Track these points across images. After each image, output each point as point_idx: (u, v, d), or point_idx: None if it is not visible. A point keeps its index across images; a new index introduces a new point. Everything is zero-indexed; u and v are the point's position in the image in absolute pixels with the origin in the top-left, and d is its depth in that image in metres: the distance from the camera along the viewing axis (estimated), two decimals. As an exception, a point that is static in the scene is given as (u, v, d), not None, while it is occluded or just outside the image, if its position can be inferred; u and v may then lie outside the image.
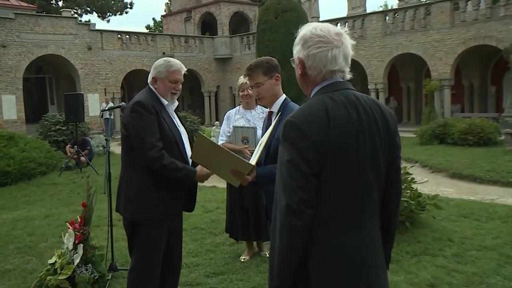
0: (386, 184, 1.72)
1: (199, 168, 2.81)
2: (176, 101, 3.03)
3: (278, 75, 2.80)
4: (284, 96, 2.82)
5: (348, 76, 1.74)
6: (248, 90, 4.12)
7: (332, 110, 1.59)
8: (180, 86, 2.99)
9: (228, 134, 4.31)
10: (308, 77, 1.73)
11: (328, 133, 1.56)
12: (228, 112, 4.51)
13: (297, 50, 1.74)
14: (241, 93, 4.29)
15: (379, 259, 1.70)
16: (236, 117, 4.35)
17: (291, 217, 1.55)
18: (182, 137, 2.93)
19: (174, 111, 3.08)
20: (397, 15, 20.79)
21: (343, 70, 1.71)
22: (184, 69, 2.99)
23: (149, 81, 2.96)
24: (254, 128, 4.14)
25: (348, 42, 1.72)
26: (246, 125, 4.23)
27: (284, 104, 2.78)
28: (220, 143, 4.11)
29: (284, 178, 1.59)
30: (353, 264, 1.60)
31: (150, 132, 2.74)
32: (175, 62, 2.95)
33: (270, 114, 2.81)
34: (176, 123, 2.96)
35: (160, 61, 2.96)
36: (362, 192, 1.63)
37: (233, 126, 4.24)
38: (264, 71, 2.77)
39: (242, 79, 4.08)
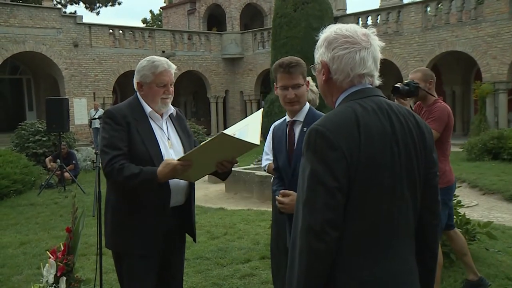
0: (422, 206, 1.77)
1: (161, 165, 2.68)
2: (171, 106, 3.00)
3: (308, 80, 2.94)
4: (308, 104, 2.92)
5: (378, 82, 1.81)
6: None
7: (363, 118, 1.65)
8: (171, 88, 2.95)
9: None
10: (334, 82, 1.79)
11: (358, 144, 1.61)
12: (275, 124, 4.20)
13: (320, 53, 1.81)
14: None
15: None
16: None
17: (312, 239, 1.60)
18: (165, 151, 2.87)
19: (178, 117, 3.07)
20: (441, 6, 20.75)
21: (372, 74, 1.78)
22: (173, 68, 2.97)
23: (135, 86, 2.97)
24: None
25: (377, 44, 1.80)
26: None
27: (310, 113, 2.86)
28: (265, 163, 3.93)
29: (306, 194, 1.63)
30: None
31: (113, 145, 2.74)
32: (161, 61, 2.92)
33: (293, 124, 2.86)
34: (161, 134, 2.92)
35: (143, 62, 2.95)
36: (396, 212, 1.68)
37: None
38: (302, 72, 2.86)
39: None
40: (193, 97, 29.82)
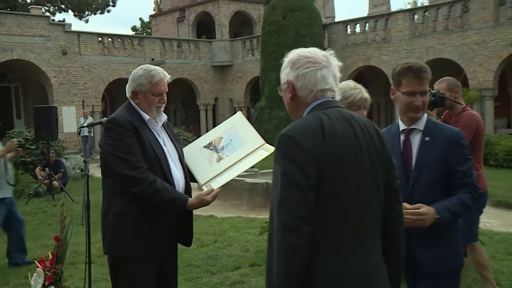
0: (386, 207, 1.95)
1: (195, 199, 2.88)
2: (164, 114, 3.06)
3: None
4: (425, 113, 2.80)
5: (338, 97, 2.01)
6: (364, 109, 3.36)
7: (328, 125, 1.82)
8: (165, 97, 3.01)
9: None
10: (299, 98, 1.97)
11: (325, 147, 1.78)
12: None
13: (286, 73, 2.00)
14: (353, 112, 3.54)
15: (385, 284, 1.91)
16: None
17: (289, 235, 1.73)
18: (168, 157, 2.95)
19: (167, 125, 3.12)
20: (428, 14, 21.00)
21: (333, 89, 1.97)
22: (168, 77, 3.01)
23: (128, 95, 2.99)
24: None
25: (336, 63, 1.99)
26: None
27: (430, 121, 2.75)
28: None
29: (281, 194, 1.77)
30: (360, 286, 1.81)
31: (130, 151, 2.78)
32: (157, 70, 2.96)
33: (409, 132, 2.74)
34: (161, 141, 2.98)
35: (139, 71, 2.97)
36: (363, 211, 1.85)
37: None
38: (429, 79, 2.73)
39: (356, 92, 3.28)
40: (182, 105, 29.80)
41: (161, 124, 3.05)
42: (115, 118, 2.88)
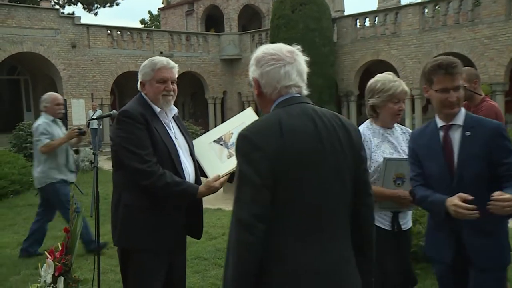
0: (356, 199, 1.98)
1: (204, 186, 2.89)
2: (174, 106, 3.07)
3: None
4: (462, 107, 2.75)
5: (306, 92, 2.02)
6: (403, 103, 3.27)
7: (286, 122, 1.85)
8: (172, 86, 3.01)
9: (369, 170, 3.09)
10: (264, 95, 2.01)
11: (282, 145, 1.81)
12: (361, 132, 3.17)
13: (252, 71, 2.04)
14: (393, 106, 3.19)
15: (352, 280, 1.93)
16: (375, 140, 3.24)
17: (242, 232, 1.79)
18: (179, 150, 2.96)
19: (178, 119, 3.14)
20: (438, 7, 20.81)
21: (298, 85, 1.99)
22: (174, 66, 3.03)
23: (138, 87, 3.04)
24: None
25: (301, 58, 2.02)
26: (400, 155, 3.20)
27: (469, 115, 2.71)
28: None
29: (237, 192, 1.84)
30: (317, 283, 1.83)
31: (141, 144, 2.80)
32: (160, 58, 3.01)
33: (448, 128, 2.70)
34: (171, 134, 3.00)
35: (145, 62, 3.03)
36: (327, 204, 1.88)
37: (384, 158, 3.13)
38: (461, 73, 2.69)
39: (396, 84, 3.19)
40: (191, 98, 29.83)
41: (171, 117, 3.06)
42: (126, 111, 2.89)
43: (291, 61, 1.97)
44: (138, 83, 3.03)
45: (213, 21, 32.47)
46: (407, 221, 3.26)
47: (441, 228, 2.78)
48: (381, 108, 3.21)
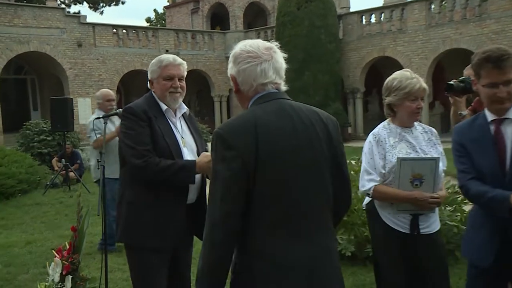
0: (337, 189, 2.03)
1: (201, 156, 2.90)
2: (184, 105, 3.08)
3: None
4: None
5: (284, 88, 2.05)
6: (422, 100, 3.15)
7: (261, 120, 1.88)
8: (180, 82, 3.01)
9: (384, 171, 3.08)
10: (242, 92, 2.04)
11: (256, 142, 1.83)
12: (376, 132, 3.22)
13: (230, 68, 2.07)
14: (411, 104, 3.09)
15: (333, 271, 1.98)
16: (391, 140, 3.14)
17: (212, 230, 1.85)
18: (183, 149, 2.95)
19: (190, 118, 3.15)
20: (445, 3, 20.72)
21: (274, 82, 2.00)
22: (181, 63, 3.03)
23: (148, 85, 3.07)
24: (436, 160, 3.01)
25: (279, 56, 2.04)
26: (418, 155, 3.08)
27: None
28: (368, 186, 3.10)
29: (210, 191, 1.90)
30: (300, 277, 1.86)
31: (140, 140, 2.82)
32: (167, 56, 3.03)
33: (500, 122, 2.57)
34: (176, 132, 2.98)
35: (153, 60, 3.07)
36: (304, 200, 1.91)
37: (397, 158, 3.02)
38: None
39: (413, 82, 3.08)
40: (196, 96, 29.82)
41: (180, 115, 3.06)
42: (129, 107, 2.94)
43: (268, 59, 1.99)
44: (148, 81, 3.06)
45: (219, 19, 32.45)
46: (430, 224, 3.06)
47: (484, 228, 2.63)
48: (398, 106, 3.11)
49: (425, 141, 3.16)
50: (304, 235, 1.89)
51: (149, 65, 3.07)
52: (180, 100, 3.04)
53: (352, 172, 5.86)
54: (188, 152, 2.98)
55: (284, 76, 2.06)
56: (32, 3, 27.63)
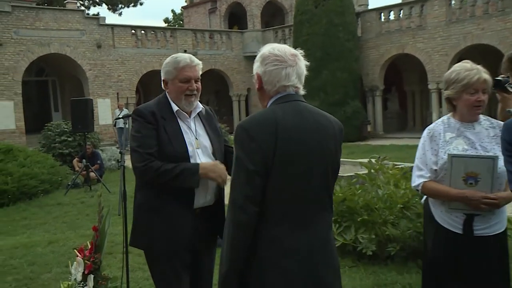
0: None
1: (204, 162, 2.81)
2: (200, 104, 2.97)
3: None
4: None
5: (302, 92, 2.24)
6: (483, 93, 2.91)
7: (280, 118, 2.07)
8: (196, 85, 2.89)
9: (435, 168, 2.94)
10: (264, 91, 2.22)
11: (275, 139, 2.03)
12: (432, 127, 3.08)
13: (256, 67, 2.24)
14: (469, 97, 2.89)
15: (331, 259, 2.20)
16: (447, 136, 2.98)
17: (236, 211, 2.05)
18: (195, 151, 2.85)
19: (207, 117, 3.04)
20: (466, -2, 20.43)
21: (295, 86, 2.20)
22: (197, 63, 2.91)
23: (162, 85, 2.98)
24: (493, 159, 2.79)
25: (302, 63, 2.22)
26: (474, 153, 2.88)
27: None
28: (418, 182, 2.99)
29: (233, 176, 2.10)
30: (304, 263, 2.08)
31: (144, 143, 2.76)
32: (183, 56, 2.89)
33: None
34: (190, 133, 2.89)
35: (168, 59, 2.94)
36: (310, 194, 2.12)
37: (448, 154, 2.88)
38: None
39: (472, 73, 2.90)
40: (215, 96, 29.92)
41: (194, 116, 2.95)
42: (138, 109, 2.88)
43: (292, 64, 2.17)
44: (162, 81, 2.96)
45: (236, 18, 32.49)
46: (490, 226, 2.85)
47: None
48: (457, 100, 2.92)
49: (489, 138, 2.91)
50: (307, 226, 2.11)
51: (163, 64, 2.96)
52: (196, 102, 2.93)
53: (372, 171, 5.83)
54: (203, 154, 2.88)
55: (304, 82, 2.23)
56: (53, 6, 28.00)
